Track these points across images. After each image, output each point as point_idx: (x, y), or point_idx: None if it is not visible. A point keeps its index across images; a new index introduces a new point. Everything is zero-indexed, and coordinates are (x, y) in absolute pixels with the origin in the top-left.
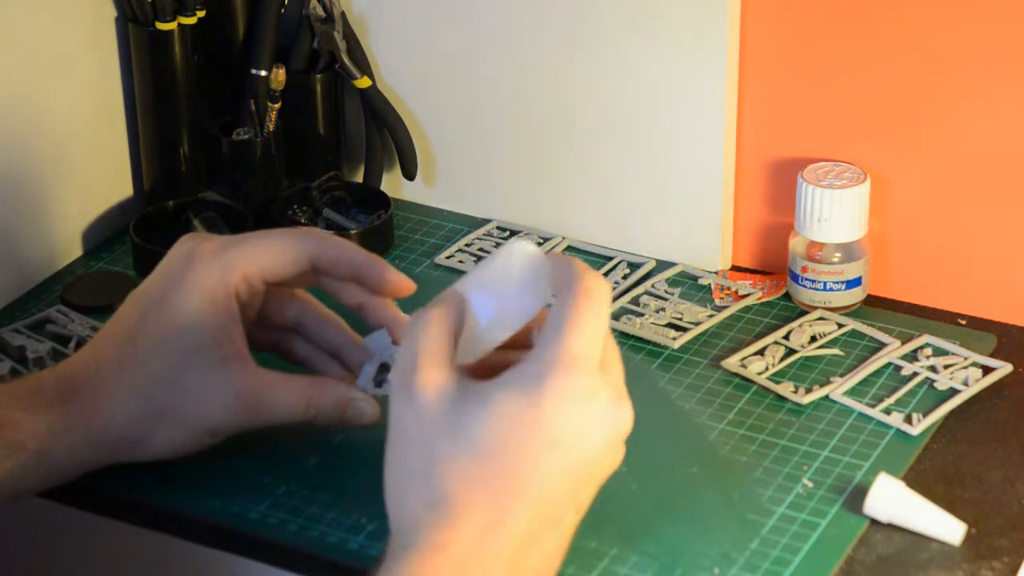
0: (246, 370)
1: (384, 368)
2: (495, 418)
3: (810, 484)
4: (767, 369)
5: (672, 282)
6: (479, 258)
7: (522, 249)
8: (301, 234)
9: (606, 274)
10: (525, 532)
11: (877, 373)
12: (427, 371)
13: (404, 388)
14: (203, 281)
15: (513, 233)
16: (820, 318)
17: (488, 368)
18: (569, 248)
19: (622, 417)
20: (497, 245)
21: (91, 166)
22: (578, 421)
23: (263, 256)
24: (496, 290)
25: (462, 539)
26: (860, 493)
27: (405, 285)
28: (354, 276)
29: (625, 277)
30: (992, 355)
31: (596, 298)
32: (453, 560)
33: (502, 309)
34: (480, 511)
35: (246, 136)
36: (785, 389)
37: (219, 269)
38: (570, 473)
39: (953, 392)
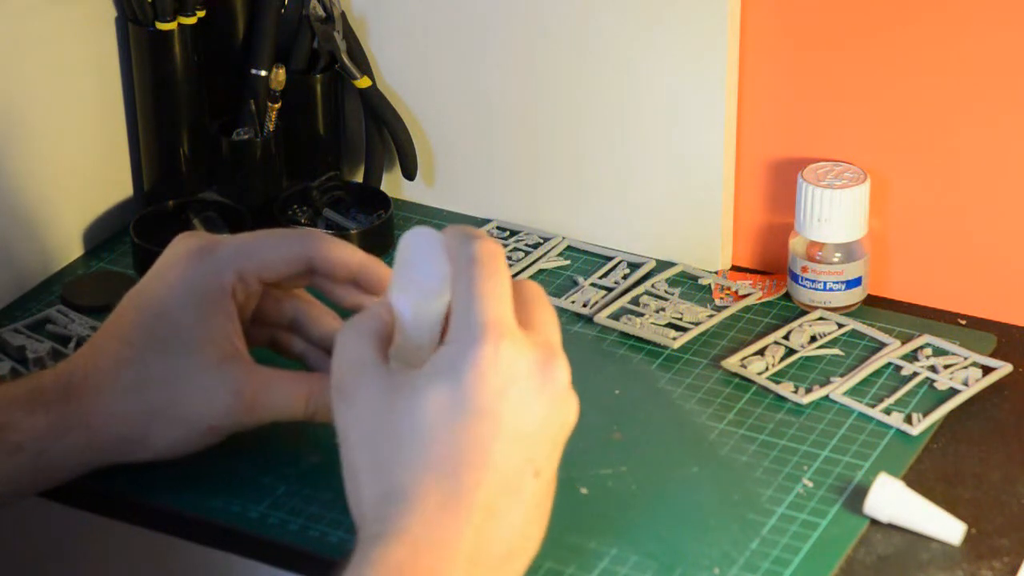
0: (244, 368)
1: None
2: (426, 407)
3: (810, 484)
4: (767, 369)
5: (672, 282)
6: None
7: (414, 236)
8: (299, 234)
9: (606, 274)
10: (482, 505)
11: (877, 373)
12: (354, 376)
13: (338, 396)
14: (199, 279)
15: (513, 233)
16: (820, 318)
17: None
18: (569, 248)
19: (555, 373)
20: None
21: (91, 166)
22: (504, 386)
23: (260, 255)
24: (404, 283)
25: (419, 523)
26: (860, 493)
27: None
28: (352, 277)
29: (625, 277)
30: (992, 355)
31: (488, 263)
32: (414, 544)
33: (416, 297)
34: (432, 494)
35: (246, 136)
36: (785, 389)
37: (215, 268)
38: (513, 439)
39: (953, 392)
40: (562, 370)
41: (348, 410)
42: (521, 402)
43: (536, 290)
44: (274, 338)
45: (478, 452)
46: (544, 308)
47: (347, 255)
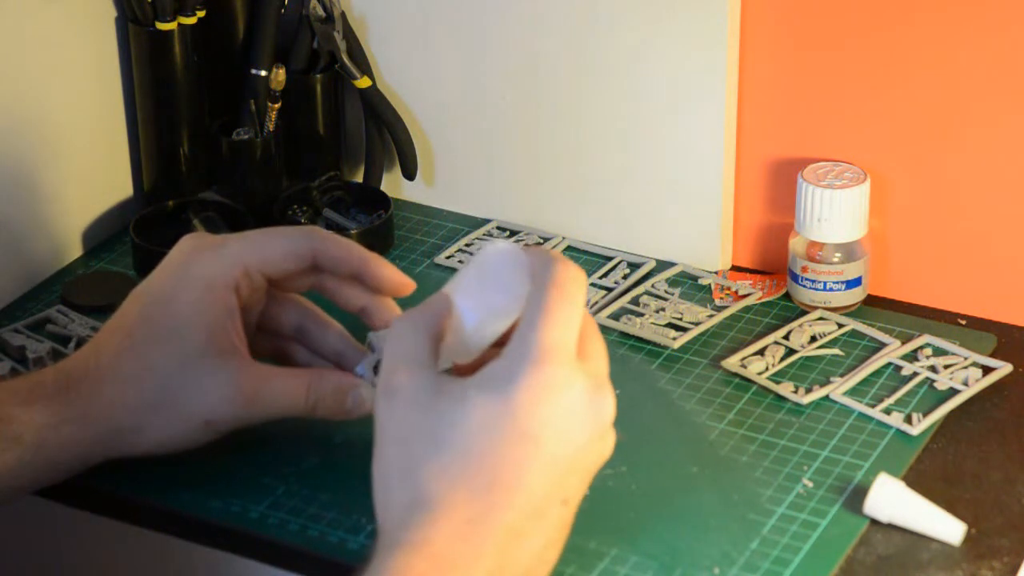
0: (242, 363)
1: None
2: (470, 417)
3: (810, 484)
4: (767, 369)
5: (672, 282)
6: None
7: (496, 249)
8: (303, 230)
9: (606, 274)
10: (508, 527)
11: (877, 373)
12: (405, 373)
13: (384, 390)
14: (203, 273)
15: (513, 233)
16: (820, 318)
17: (479, 366)
18: (569, 248)
19: (602, 406)
20: None
21: (91, 166)
22: (552, 413)
23: (265, 250)
24: (476, 291)
25: (444, 537)
26: (860, 493)
27: (406, 283)
28: (355, 273)
29: (625, 277)
30: (992, 355)
31: (567, 288)
32: (436, 558)
33: (485, 309)
34: (461, 508)
35: (246, 136)
36: (785, 389)
37: (219, 262)
38: (550, 465)
39: (953, 392)
40: (608, 405)
41: (390, 405)
42: (565, 430)
43: (591, 320)
44: (278, 348)
45: (514, 473)
46: (597, 339)
47: (351, 250)
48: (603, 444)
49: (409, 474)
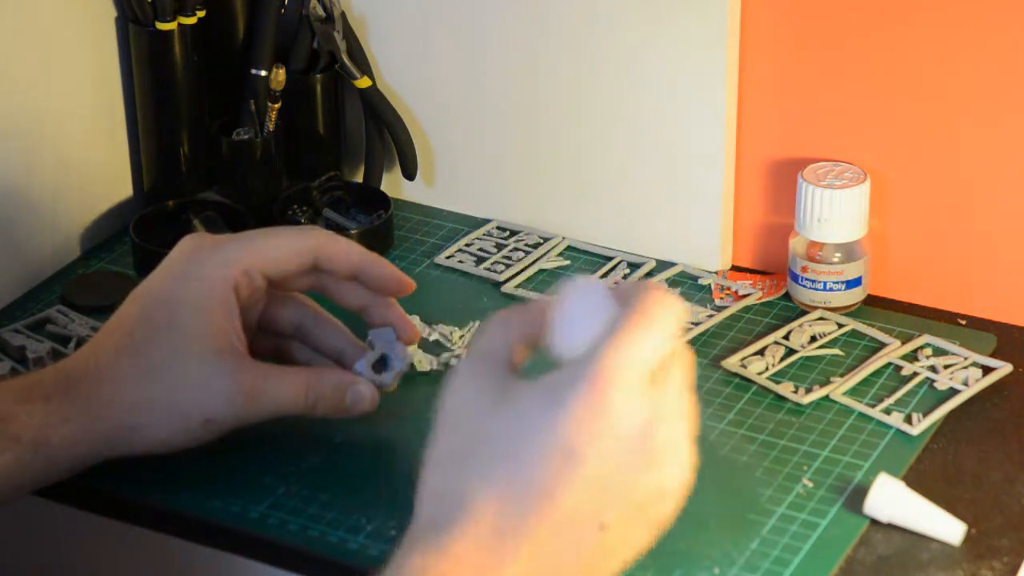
0: (241, 361)
1: (383, 360)
2: (520, 419)
3: (810, 484)
4: (767, 369)
5: (672, 282)
6: (479, 258)
7: (588, 280)
8: (303, 230)
9: (606, 274)
10: (535, 541)
11: (877, 373)
12: (479, 364)
13: (454, 377)
14: (202, 272)
15: (513, 233)
16: (820, 318)
17: None
18: (569, 248)
19: (659, 439)
20: (497, 245)
21: (91, 166)
22: (599, 433)
23: (264, 251)
24: (569, 317)
25: (469, 541)
26: (860, 493)
27: (406, 283)
28: (355, 274)
29: (625, 277)
30: (992, 355)
31: (651, 312)
32: (457, 562)
33: (575, 332)
34: (490, 514)
35: (246, 136)
36: (785, 389)
37: (219, 261)
38: (586, 485)
39: (953, 392)
40: (666, 440)
41: (456, 392)
42: (608, 452)
43: (684, 353)
44: (279, 347)
45: (547, 485)
46: (681, 372)
47: (352, 250)
48: (653, 477)
49: (453, 466)
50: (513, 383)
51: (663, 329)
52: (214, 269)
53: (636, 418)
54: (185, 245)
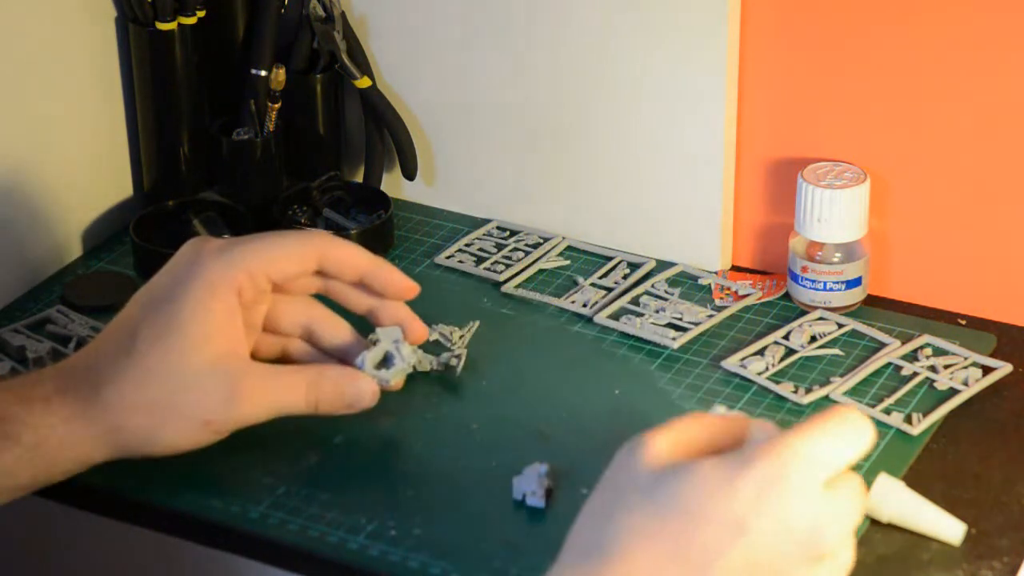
0: (241, 363)
1: (387, 358)
2: (691, 485)
3: None
4: (767, 369)
5: (672, 282)
6: (479, 258)
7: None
8: (308, 235)
9: (606, 274)
10: None
11: (877, 373)
12: (662, 436)
13: (633, 443)
14: (205, 275)
15: (513, 233)
16: (820, 318)
17: None
18: (569, 248)
19: (826, 538)
20: (497, 245)
21: (91, 166)
22: (771, 511)
23: (269, 254)
24: None
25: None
26: None
27: (410, 287)
28: (360, 278)
29: (625, 277)
30: (992, 355)
31: (845, 417)
32: None
33: None
34: (639, 570)
35: (246, 136)
36: (785, 389)
37: (222, 264)
38: (745, 561)
39: (953, 392)
40: (832, 544)
41: (631, 457)
42: (775, 533)
43: (859, 478)
44: (285, 348)
45: (706, 554)
46: (855, 493)
47: (355, 255)
48: (810, 571)
49: (608, 518)
50: (690, 461)
51: (854, 437)
52: (216, 272)
53: (810, 509)
54: (188, 248)
